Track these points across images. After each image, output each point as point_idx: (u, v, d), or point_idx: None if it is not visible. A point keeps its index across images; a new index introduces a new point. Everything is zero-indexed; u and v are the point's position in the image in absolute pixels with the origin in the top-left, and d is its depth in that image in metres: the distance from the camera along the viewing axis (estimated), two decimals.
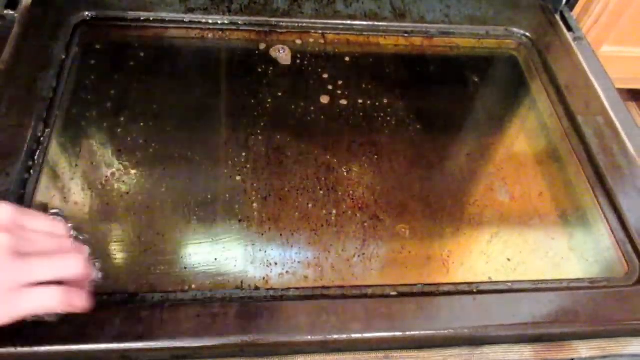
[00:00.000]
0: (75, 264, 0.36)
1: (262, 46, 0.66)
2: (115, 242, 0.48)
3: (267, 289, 0.46)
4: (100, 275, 0.41)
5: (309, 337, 0.43)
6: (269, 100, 0.61)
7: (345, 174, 0.56)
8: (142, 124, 0.57)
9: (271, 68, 0.64)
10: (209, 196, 0.52)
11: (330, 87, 0.63)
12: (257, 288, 0.46)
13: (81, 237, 0.42)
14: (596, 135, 0.60)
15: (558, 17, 0.74)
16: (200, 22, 0.67)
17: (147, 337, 0.41)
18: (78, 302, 0.36)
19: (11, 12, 0.61)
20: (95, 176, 0.52)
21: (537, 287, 0.49)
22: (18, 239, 0.34)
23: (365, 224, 0.52)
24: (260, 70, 0.64)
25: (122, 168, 0.53)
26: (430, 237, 0.52)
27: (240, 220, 0.51)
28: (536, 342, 0.46)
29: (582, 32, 0.73)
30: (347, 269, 0.49)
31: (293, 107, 0.61)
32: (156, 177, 0.53)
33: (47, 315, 0.37)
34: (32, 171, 0.50)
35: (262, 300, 0.44)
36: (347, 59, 0.67)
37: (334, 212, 0.53)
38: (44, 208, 0.48)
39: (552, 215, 0.56)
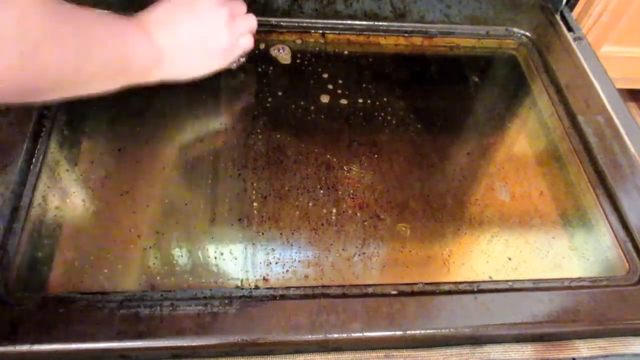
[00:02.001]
0: (255, 21, 0.59)
1: (262, 46, 0.66)
2: (115, 241, 0.48)
3: (267, 288, 0.46)
4: None
5: (309, 337, 0.43)
6: (269, 100, 0.61)
7: (345, 173, 0.56)
8: (142, 123, 0.57)
9: (271, 68, 0.64)
10: (209, 195, 0.52)
11: (330, 87, 0.63)
12: (257, 287, 0.46)
13: None
14: (597, 134, 0.60)
15: (558, 17, 0.74)
16: None
17: (146, 336, 0.41)
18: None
19: None
20: (95, 175, 0.52)
21: (538, 287, 0.48)
22: (229, 8, 0.54)
23: (366, 223, 0.52)
24: (260, 69, 0.64)
25: (122, 167, 0.53)
26: (430, 237, 0.52)
27: (240, 220, 0.51)
28: (537, 341, 0.46)
29: (582, 32, 0.73)
30: (348, 268, 0.49)
31: (293, 106, 0.61)
32: (156, 177, 0.53)
33: (238, 61, 0.61)
34: (31, 170, 0.50)
35: (262, 299, 0.44)
36: (347, 58, 0.67)
37: (334, 211, 0.52)
38: None
39: (552, 215, 0.56)
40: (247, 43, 0.58)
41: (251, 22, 0.58)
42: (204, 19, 0.52)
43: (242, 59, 0.61)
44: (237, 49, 0.57)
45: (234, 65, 0.60)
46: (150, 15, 0.50)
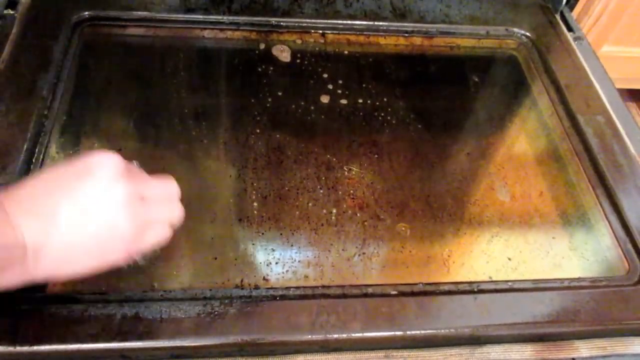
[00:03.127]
0: (179, 210, 0.42)
1: (262, 46, 0.66)
2: None
3: (267, 288, 0.46)
4: None
5: (309, 337, 0.43)
6: (269, 100, 0.61)
7: (345, 173, 0.56)
8: (142, 123, 0.57)
9: (271, 68, 0.64)
10: (209, 196, 0.52)
11: (330, 87, 0.63)
12: (257, 287, 0.46)
13: None
14: (596, 134, 0.60)
15: (558, 17, 0.74)
16: (200, 22, 0.67)
17: (147, 336, 0.41)
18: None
19: (11, 12, 0.61)
20: None
21: (538, 287, 0.48)
22: (132, 185, 0.38)
23: (366, 223, 0.52)
24: (260, 69, 0.64)
25: None
26: (430, 237, 0.52)
27: (240, 220, 0.51)
28: (537, 342, 0.46)
29: (582, 32, 0.73)
30: (348, 268, 0.49)
31: (293, 106, 0.61)
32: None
33: (143, 259, 0.41)
34: (31, 170, 0.50)
35: (262, 300, 0.44)
36: (347, 58, 0.67)
37: (334, 211, 0.52)
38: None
39: (552, 215, 0.56)
40: (158, 235, 0.41)
41: (172, 211, 0.42)
42: (92, 199, 0.36)
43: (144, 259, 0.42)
44: (141, 241, 0.39)
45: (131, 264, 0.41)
46: (14, 195, 0.35)
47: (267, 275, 0.47)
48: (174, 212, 0.42)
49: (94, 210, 0.36)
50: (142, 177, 0.41)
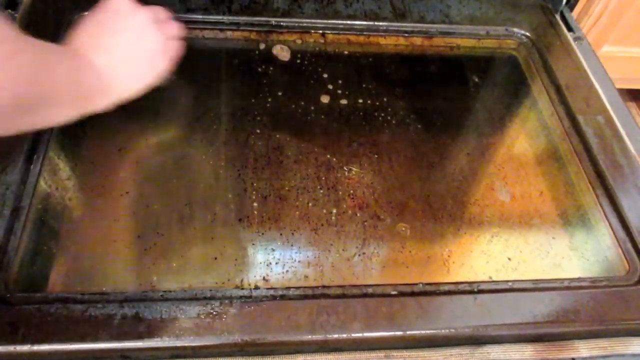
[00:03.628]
0: (178, 27, 0.55)
1: (262, 46, 0.66)
2: (115, 241, 0.48)
3: (267, 288, 0.46)
4: None
5: (309, 337, 0.43)
6: (269, 100, 0.61)
7: (345, 173, 0.56)
8: (141, 123, 0.57)
9: (271, 68, 0.64)
10: (209, 196, 0.52)
11: (330, 87, 0.63)
12: (257, 287, 0.46)
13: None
14: (596, 134, 0.60)
15: (558, 17, 0.74)
16: (200, 22, 0.67)
17: (147, 336, 0.41)
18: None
19: (11, 12, 0.61)
20: (95, 176, 0.52)
21: (538, 287, 0.48)
22: (148, 12, 0.51)
23: (366, 223, 0.52)
24: (260, 70, 0.64)
25: (122, 167, 0.53)
26: (430, 237, 0.52)
27: (240, 220, 0.51)
28: (537, 342, 0.46)
29: (582, 32, 0.73)
30: (348, 268, 0.49)
31: (293, 106, 0.61)
32: (156, 177, 0.53)
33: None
34: (31, 170, 0.50)
35: (262, 300, 0.44)
36: (347, 58, 0.67)
37: (334, 211, 0.52)
38: None
39: (552, 215, 0.56)
40: (176, 46, 0.54)
41: (176, 26, 0.55)
42: (127, 27, 0.50)
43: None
44: (168, 51, 0.53)
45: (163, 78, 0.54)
46: (80, 41, 0.48)
47: (267, 275, 0.47)
48: (178, 29, 0.55)
49: (131, 35, 0.50)
50: (146, 7, 0.52)
